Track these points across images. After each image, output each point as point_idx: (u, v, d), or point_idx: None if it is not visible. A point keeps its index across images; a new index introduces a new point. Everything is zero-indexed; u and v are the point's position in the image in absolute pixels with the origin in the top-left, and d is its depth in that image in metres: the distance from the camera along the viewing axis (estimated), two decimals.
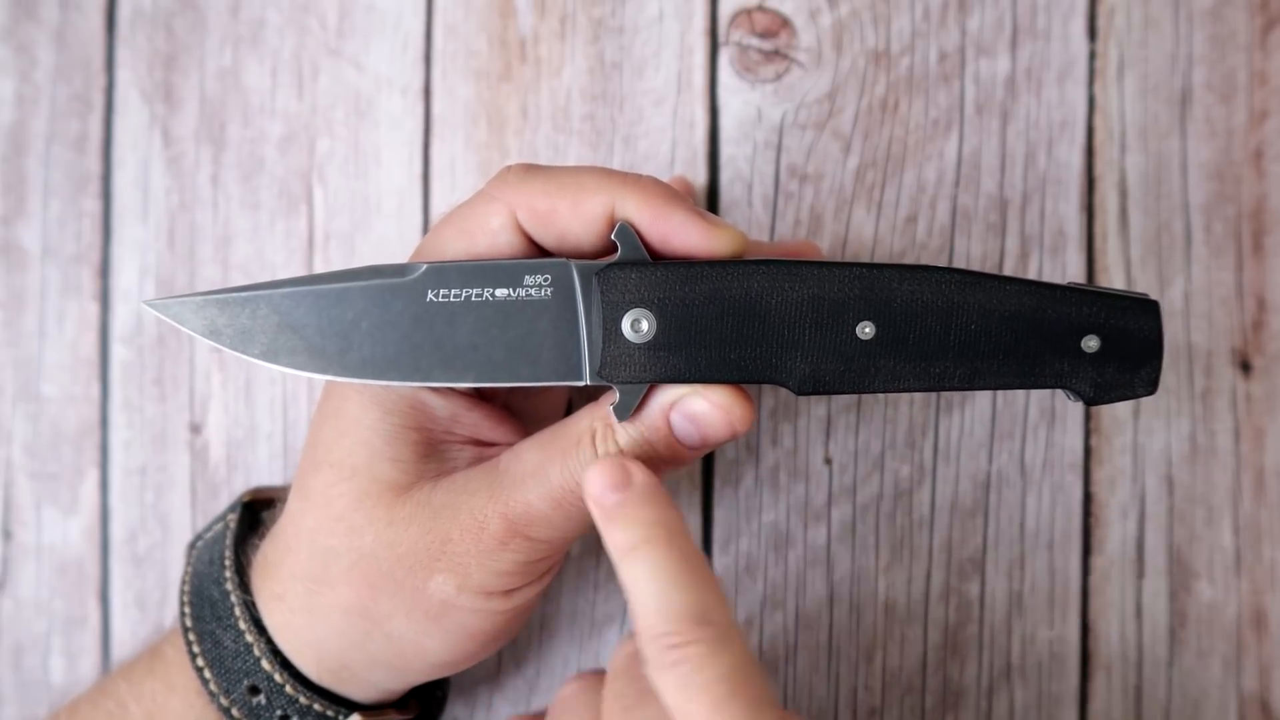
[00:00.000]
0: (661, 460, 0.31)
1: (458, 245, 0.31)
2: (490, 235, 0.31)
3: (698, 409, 0.30)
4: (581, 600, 0.41)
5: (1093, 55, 0.40)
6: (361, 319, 0.30)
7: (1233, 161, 0.40)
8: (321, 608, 0.32)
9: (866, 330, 0.30)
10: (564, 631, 0.41)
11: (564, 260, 0.30)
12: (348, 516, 0.31)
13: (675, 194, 0.30)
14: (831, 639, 0.40)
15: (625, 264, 0.30)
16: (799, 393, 0.30)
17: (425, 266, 0.30)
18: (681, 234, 0.30)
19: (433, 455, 0.32)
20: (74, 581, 0.42)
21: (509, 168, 0.31)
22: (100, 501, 0.42)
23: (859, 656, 0.40)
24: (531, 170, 0.31)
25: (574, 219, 0.30)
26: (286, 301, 0.30)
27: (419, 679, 0.34)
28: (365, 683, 0.34)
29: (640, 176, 0.30)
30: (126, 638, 0.42)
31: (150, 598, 0.42)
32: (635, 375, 0.30)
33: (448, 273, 0.30)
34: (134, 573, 0.42)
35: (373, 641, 0.32)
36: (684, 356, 0.30)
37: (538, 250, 0.31)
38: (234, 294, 0.30)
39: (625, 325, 0.30)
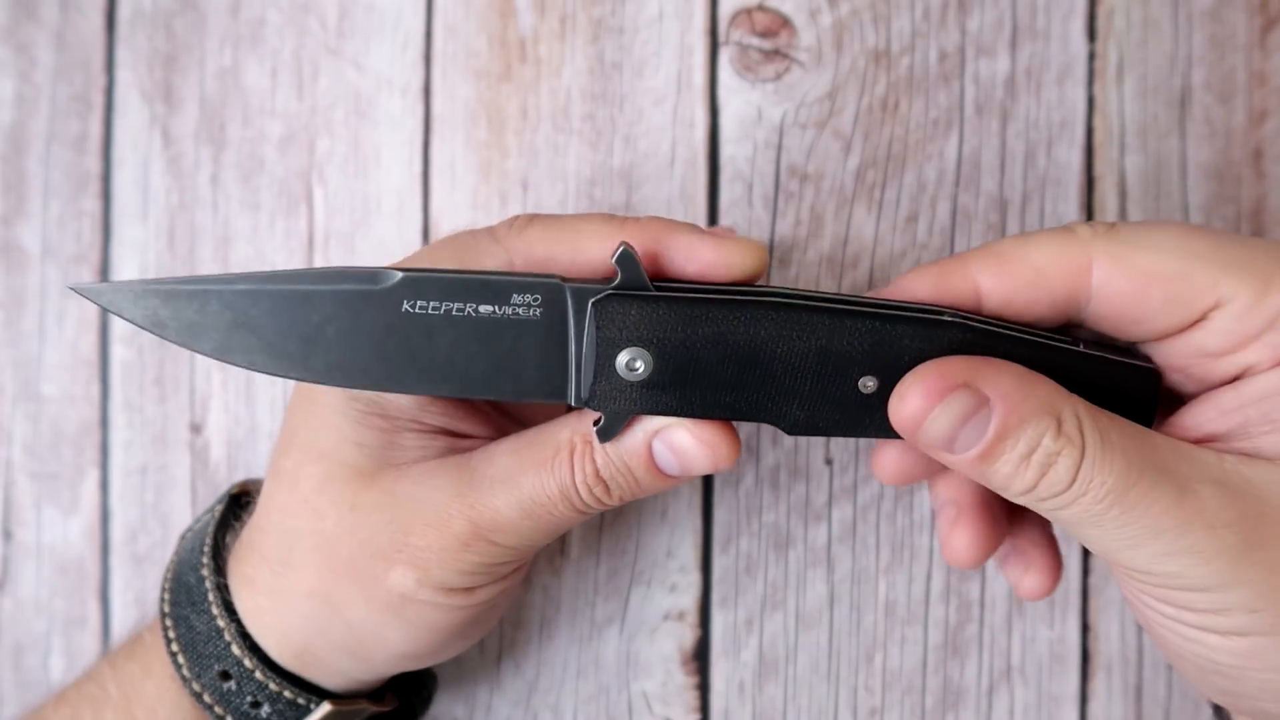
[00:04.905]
0: (638, 485, 0.30)
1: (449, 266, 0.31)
2: None
3: (682, 443, 0.30)
4: (581, 600, 0.41)
5: (1092, 55, 0.40)
6: (328, 324, 0.29)
7: (1232, 162, 0.40)
8: (286, 590, 0.32)
9: (869, 385, 0.29)
10: (564, 632, 0.41)
11: (557, 281, 0.29)
12: (312, 499, 0.31)
13: (679, 221, 0.30)
14: (831, 639, 0.40)
15: (625, 294, 0.28)
16: (790, 433, 0.30)
17: (400, 275, 0.29)
18: (690, 255, 0.30)
19: (399, 443, 0.32)
20: (74, 581, 0.42)
21: (516, 216, 0.31)
22: (100, 501, 0.42)
23: (859, 656, 0.40)
24: (534, 219, 0.31)
25: (572, 268, 0.30)
26: (241, 299, 0.29)
27: (384, 669, 0.34)
28: (330, 669, 0.33)
29: (642, 216, 0.30)
30: (126, 637, 0.42)
31: (150, 598, 0.42)
32: (625, 408, 0.29)
33: (425, 284, 0.29)
34: (134, 573, 0.42)
35: (334, 628, 0.32)
36: (678, 396, 0.29)
37: None
38: (181, 285, 0.29)
39: (620, 363, 0.29)
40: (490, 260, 0.30)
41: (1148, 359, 0.31)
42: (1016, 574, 0.35)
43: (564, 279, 0.29)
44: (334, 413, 0.31)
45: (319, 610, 0.32)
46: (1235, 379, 0.28)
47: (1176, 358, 0.29)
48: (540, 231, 0.30)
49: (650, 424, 0.30)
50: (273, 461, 0.33)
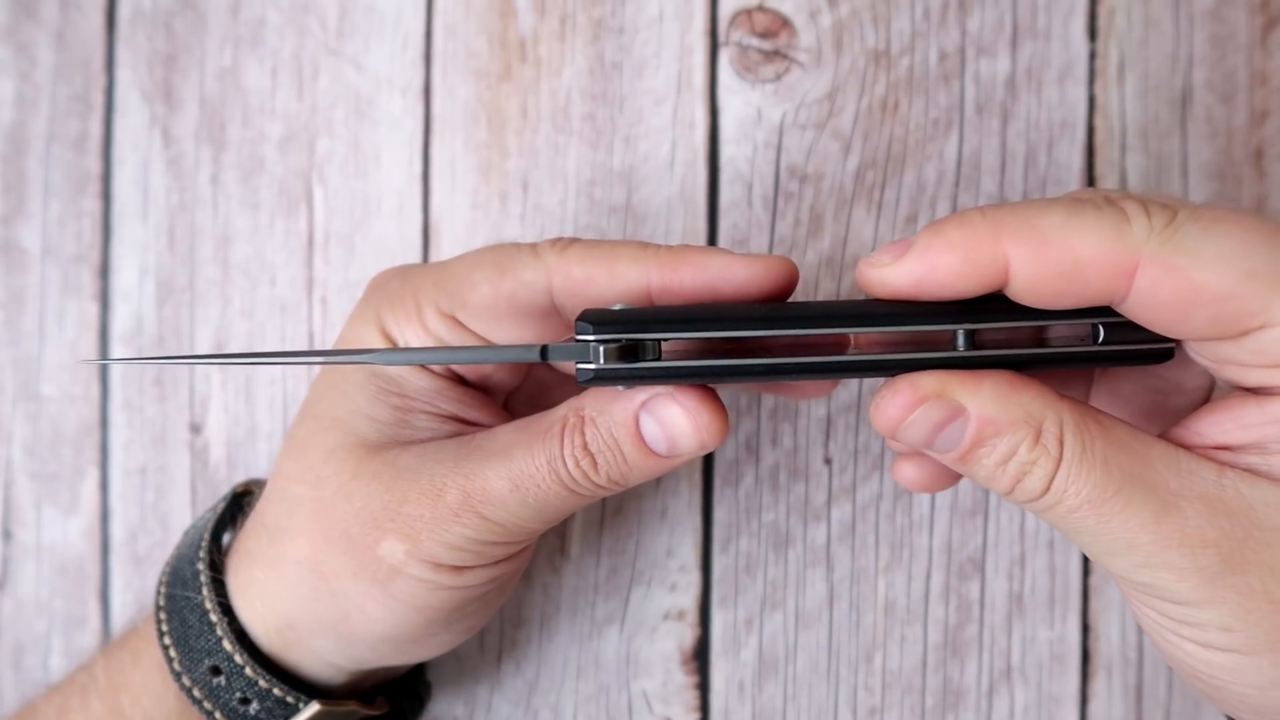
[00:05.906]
0: (625, 461, 0.30)
1: (486, 274, 0.31)
2: (521, 286, 0.31)
3: (669, 414, 0.30)
4: (581, 599, 0.41)
5: (1093, 55, 0.40)
6: None
7: (1233, 162, 0.40)
8: (279, 558, 0.33)
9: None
10: (564, 631, 0.41)
11: (534, 349, 0.29)
12: (317, 466, 0.32)
13: (708, 246, 0.31)
14: (831, 639, 0.40)
15: (604, 377, 0.28)
16: None
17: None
18: (725, 276, 0.30)
19: (410, 422, 0.32)
20: (74, 581, 0.42)
21: (559, 237, 0.32)
22: (100, 501, 0.42)
23: (859, 656, 0.40)
24: (575, 241, 0.31)
25: (609, 289, 0.30)
26: None
27: (365, 653, 0.34)
28: (309, 650, 0.33)
29: (674, 245, 0.31)
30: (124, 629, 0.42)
31: (150, 598, 0.42)
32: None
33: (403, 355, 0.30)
34: (134, 573, 0.42)
35: (319, 599, 0.32)
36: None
37: (557, 328, 0.32)
38: (169, 363, 0.30)
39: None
40: (529, 274, 0.31)
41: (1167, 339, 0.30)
42: (909, 468, 0.35)
43: (546, 347, 0.29)
44: (354, 387, 0.32)
45: (307, 579, 0.32)
46: (1259, 389, 0.27)
47: (1201, 350, 0.28)
48: (580, 253, 0.31)
49: (639, 395, 0.30)
50: (288, 433, 0.34)
